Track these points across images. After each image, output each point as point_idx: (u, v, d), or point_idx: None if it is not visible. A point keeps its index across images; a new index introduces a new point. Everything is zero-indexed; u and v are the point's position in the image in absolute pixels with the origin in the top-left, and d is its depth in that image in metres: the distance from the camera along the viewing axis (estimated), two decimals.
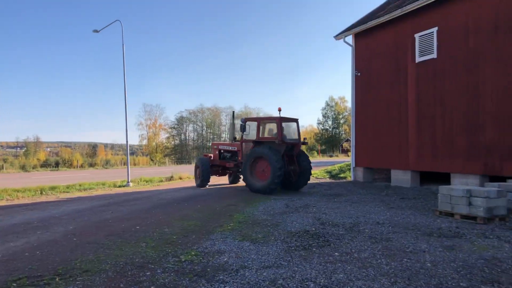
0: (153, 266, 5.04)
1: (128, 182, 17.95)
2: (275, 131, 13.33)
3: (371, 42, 15.96)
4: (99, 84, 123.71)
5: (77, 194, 14.24)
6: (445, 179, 12.97)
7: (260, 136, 13.31)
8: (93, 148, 68.40)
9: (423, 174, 14.56)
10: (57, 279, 4.56)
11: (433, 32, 13.06)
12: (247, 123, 13.92)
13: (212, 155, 15.60)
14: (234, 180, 16.59)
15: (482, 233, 6.66)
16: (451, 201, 8.09)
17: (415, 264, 4.97)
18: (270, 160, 12.29)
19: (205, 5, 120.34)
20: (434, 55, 13.02)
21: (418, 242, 6.12)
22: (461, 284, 4.25)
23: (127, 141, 19.39)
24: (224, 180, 17.76)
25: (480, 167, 11.59)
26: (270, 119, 13.71)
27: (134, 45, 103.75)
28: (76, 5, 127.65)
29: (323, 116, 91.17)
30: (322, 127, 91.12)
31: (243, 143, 13.94)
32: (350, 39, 16.98)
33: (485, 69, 11.49)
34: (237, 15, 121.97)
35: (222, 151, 15.36)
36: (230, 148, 14.98)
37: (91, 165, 44.66)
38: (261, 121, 13.66)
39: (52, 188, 15.38)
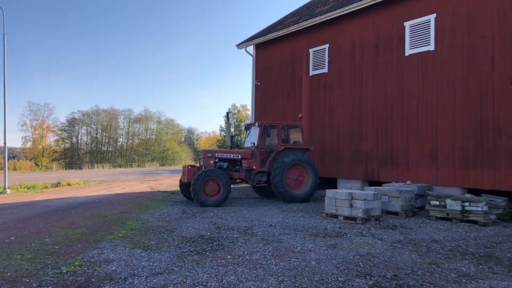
0: (28, 280, 4.54)
1: (5, 188, 15.93)
2: (293, 137, 12.96)
3: (270, 53, 16.73)
4: None
5: None
6: (333, 183, 14.10)
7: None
8: None
9: None
10: None
11: (325, 48, 14.21)
12: (252, 127, 12.89)
13: (200, 165, 12.37)
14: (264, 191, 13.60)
15: (360, 232, 7.39)
16: (336, 203, 8.83)
17: (302, 263, 5.30)
18: (312, 167, 12.01)
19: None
20: (325, 70, 14.16)
21: (306, 242, 6.54)
22: (339, 278, 4.65)
23: (5, 142, 17.22)
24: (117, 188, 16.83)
25: (361, 172, 12.87)
26: (292, 125, 13.13)
27: (17, 36, 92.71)
28: None
29: (226, 123, 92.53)
30: (225, 134, 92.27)
31: (254, 150, 12.22)
32: (251, 49, 17.57)
33: (367, 84, 12.85)
34: (136, 13, 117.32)
35: (218, 160, 12.25)
36: (232, 156, 12.41)
37: None
38: (282, 126, 12.67)
39: None
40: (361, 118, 13.01)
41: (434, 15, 11.09)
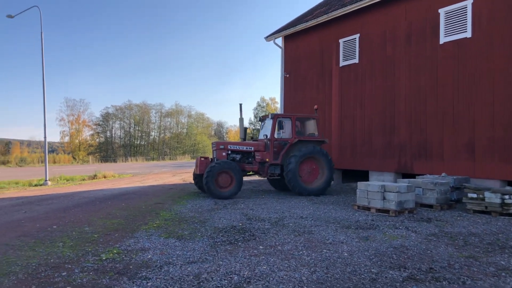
0: (70, 266, 4.77)
1: (46, 180, 16.69)
2: (309, 129, 12.78)
3: (299, 44, 16.58)
4: (15, 76, 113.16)
5: None
6: (365, 176, 13.90)
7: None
8: (6, 145, 62.32)
9: (345, 171, 15.45)
10: None
11: (355, 38, 13.93)
12: (266, 119, 12.65)
13: (213, 157, 12.34)
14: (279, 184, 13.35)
15: (393, 224, 7.27)
16: (368, 196, 8.71)
17: (334, 254, 5.28)
18: (327, 160, 11.84)
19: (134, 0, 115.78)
20: (356, 60, 13.90)
21: (337, 234, 6.50)
22: (372, 270, 4.61)
23: (45, 137, 18.01)
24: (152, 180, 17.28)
25: (394, 165, 12.60)
26: (307, 117, 12.85)
27: (55, 35, 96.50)
28: None
29: (255, 116, 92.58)
30: (254, 127, 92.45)
31: (267, 142, 12.07)
32: (280, 41, 17.48)
33: (400, 74, 12.52)
34: (168, 11, 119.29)
35: (231, 152, 12.19)
36: (245, 149, 12.28)
37: (4, 163, 40.77)
38: (296, 118, 12.42)
39: None
40: (393, 110, 12.72)
41: (471, 0, 10.64)
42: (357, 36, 13.91)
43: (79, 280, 4.26)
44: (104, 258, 5.09)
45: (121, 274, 4.46)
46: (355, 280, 4.25)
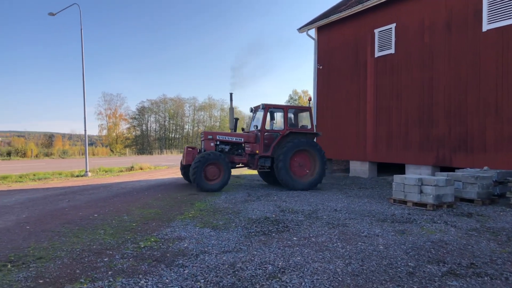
0: (111, 252, 4.97)
1: (86, 171, 17.40)
2: (301, 121, 12.54)
3: (333, 35, 16.31)
4: (56, 71, 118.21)
5: (31, 184, 13.66)
6: (401, 169, 13.56)
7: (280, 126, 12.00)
8: (49, 138, 65.32)
9: (380, 164, 15.15)
10: (9, 266, 4.40)
11: (391, 28, 13.54)
12: (258, 110, 12.30)
13: (200, 148, 12.01)
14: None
15: (431, 218, 7.07)
16: (404, 189, 8.50)
17: (369, 247, 5.21)
18: (319, 153, 11.45)
19: None
20: (392, 50, 13.52)
21: (373, 227, 6.40)
22: (409, 264, 4.51)
23: (85, 130, 18.75)
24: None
25: (432, 158, 12.22)
26: (301, 108, 12.48)
27: (93, 31, 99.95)
28: None
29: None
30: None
31: (258, 133, 11.80)
32: (313, 32, 17.27)
33: (438, 64, 12.07)
34: (198, 5, 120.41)
35: (219, 142, 11.83)
36: (234, 140, 11.88)
37: (47, 155, 42.77)
38: (288, 109, 12.15)
39: (4, 178, 14.66)
40: (431, 101, 12.29)
41: None
42: (393, 25, 13.51)
43: (120, 266, 4.43)
44: (142, 246, 5.26)
45: (159, 262, 4.60)
46: (391, 273, 4.18)
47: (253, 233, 5.98)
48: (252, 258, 4.71)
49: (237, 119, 13.09)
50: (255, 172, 17.69)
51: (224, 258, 4.74)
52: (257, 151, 11.67)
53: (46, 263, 4.52)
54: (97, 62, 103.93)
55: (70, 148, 53.56)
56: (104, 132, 67.40)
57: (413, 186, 8.28)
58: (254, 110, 12.95)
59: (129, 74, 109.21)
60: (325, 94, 16.72)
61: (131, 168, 20.58)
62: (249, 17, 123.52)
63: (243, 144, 11.97)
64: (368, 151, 14.45)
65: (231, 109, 12.98)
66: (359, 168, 14.87)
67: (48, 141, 62.69)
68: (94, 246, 5.25)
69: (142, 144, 66.36)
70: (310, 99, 12.59)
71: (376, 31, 14.13)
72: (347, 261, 4.61)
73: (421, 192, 8.16)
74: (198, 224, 6.61)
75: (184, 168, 12.23)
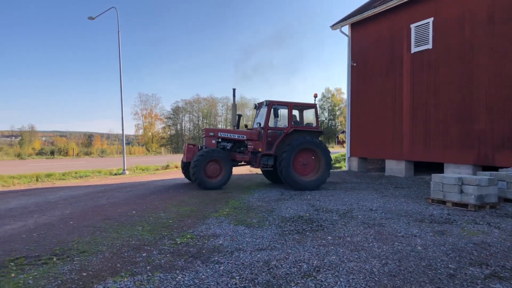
0: (149, 248, 5.12)
1: (124, 170, 17.99)
2: (307, 118, 12.28)
3: (367, 32, 15.99)
4: (94, 73, 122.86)
5: (73, 181, 14.28)
6: (439, 169, 13.12)
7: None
8: (88, 138, 68.06)
9: (417, 164, 14.71)
10: (54, 259, 4.63)
11: (429, 22, 13.11)
12: (262, 107, 11.93)
13: (202, 145, 11.93)
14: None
15: (473, 219, 6.80)
16: (443, 189, 8.22)
17: (406, 247, 5.09)
18: (324, 152, 11.12)
19: None
20: (430, 46, 13.08)
21: (410, 227, 6.24)
22: (450, 265, 4.37)
23: (123, 130, 19.39)
24: None
25: (473, 157, 11.73)
26: (306, 105, 12.03)
27: (129, 34, 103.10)
28: None
29: (320, 107, 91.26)
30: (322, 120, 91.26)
31: (261, 131, 11.53)
32: (346, 29, 17.00)
33: (480, 59, 11.57)
34: (232, 6, 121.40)
35: (221, 140, 11.65)
36: (236, 137, 11.63)
37: (87, 154, 44.53)
38: (293, 106, 11.75)
39: (48, 175, 15.40)
40: (472, 98, 11.80)
41: None
42: (430, 20, 13.07)
43: (158, 261, 4.56)
44: (179, 242, 5.39)
45: (195, 258, 4.70)
46: (430, 275, 4.07)
47: (287, 232, 5.98)
48: (287, 256, 4.72)
49: (240, 116, 12.83)
50: None
51: (258, 255, 4.78)
52: (259, 149, 11.40)
53: (88, 257, 4.72)
54: (133, 63, 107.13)
55: (108, 147, 55.49)
56: (141, 132, 69.42)
57: (453, 186, 7.99)
58: (258, 106, 12.58)
59: (164, 75, 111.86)
60: (359, 92, 16.42)
61: (167, 167, 21.06)
62: (279, 14, 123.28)
63: (245, 142, 11.72)
64: (404, 150, 14.07)
65: (234, 105, 12.74)
66: (395, 167, 14.50)
67: (87, 140, 65.31)
68: (133, 242, 5.43)
69: (177, 143, 67.77)
70: (315, 96, 12.01)
71: (413, 26, 13.72)
72: (383, 261, 4.53)
73: (461, 192, 7.86)
74: (232, 222, 6.68)
75: (185, 166, 12.10)
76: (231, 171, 11.09)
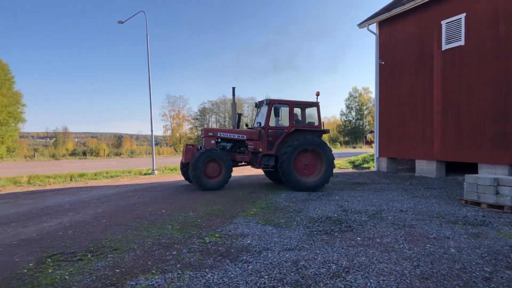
0: (179, 246, 5.21)
1: (153, 170, 18.36)
2: (309, 117, 11.88)
3: (395, 30, 15.66)
4: (124, 76, 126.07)
5: (105, 181, 14.70)
6: (472, 169, 12.69)
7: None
8: (118, 139, 69.86)
9: (448, 164, 14.29)
10: (89, 256, 4.79)
11: (461, 18, 12.70)
12: (262, 105, 11.63)
13: (201, 145, 11.62)
14: None
15: (509, 221, 6.55)
16: (478, 190, 7.95)
17: (439, 249, 4.96)
18: (327, 152, 10.82)
19: None
20: (462, 42, 12.68)
21: (442, 229, 6.07)
22: (485, 268, 4.23)
23: (152, 131, 19.78)
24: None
25: (509, 157, 11.28)
26: (308, 103, 11.72)
27: (157, 37, 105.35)
28: None
29: (347, 107, 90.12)
30: (346, 119, 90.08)
31: (261, 130, 11.30)
32: (374, 27, 16.72)
33: None
34: (258, 6, 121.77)
35: (220, 140, 11.47)
36: (236, 137, 11.44)
37: (117, 154, 45.71)
38: (295, 105, 11.44)
39: (81, 175, 15.91)
40: (508, 95, 11.35)
41: None
42: (462, 16, 12.67)
43: (187, 260, 4.64)
44: (207, 241, 5.46)
45: (223, 257, 4.75)
46: (465, 278, 3.95)
47: (315, 232, 5.94)
48: (315, 257, 4.69)
49: (240, 115, 12.58)
50: None
51: (286, 255, 4.77)
52: (260, 149, 11.15)
53: (121, 254, 4.86)
54: (161, 65, 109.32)
55: (137, 148, 56.76)
56: (169, 133, 70.57)
57: (488, 187, 7.72)
58: (258, 105, 12.29)
59: (191, 77, 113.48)
60: (388, 91, 16.10)
61: None
62: (304, 15, 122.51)
63: (245, 142, 11.51)
64: (435, 150, 13.69)
65: (233, 104, 12.43)
66: (426, 168, 14.13)
67: (117, 141, 67.02)
68: (163, 240, 5.54)
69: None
70: (318, 94, 11.52)
71: (443, 22, 13.33)
72: (415, 263, 4.43)
73: (497, 193, 7.58)
74: (260, 222, 6.70)
75: (184, 167, 11.92)
76: (231, 172, 10.95)
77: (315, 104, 11.57)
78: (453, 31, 13.01)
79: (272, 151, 11.04)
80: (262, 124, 11.20)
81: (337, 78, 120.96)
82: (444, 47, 13.33)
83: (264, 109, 11.47)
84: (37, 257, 4.82)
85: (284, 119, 11.44)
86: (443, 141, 13.40)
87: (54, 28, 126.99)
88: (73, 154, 43.67)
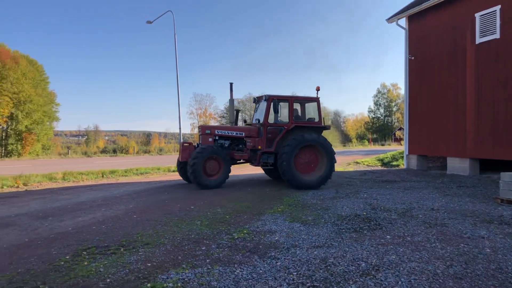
0: (208, 242, 5.29)
1: None
2: (309, 113, 11.55)
3: (425, 24, 15.24)
4: (153, 75, 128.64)
5: (135, 177, 15.06)
6: (508, 167, 12.22)
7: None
8: (147, 137, 71.43)
9: (482, 162, 13.81)
10: (121, 250, 4.94)
11: (496, 10, 12.22)
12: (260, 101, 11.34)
13: (198, 143, 11.48)
14: None
15: None
16: None
17: (473, 249, 4.82)
18: (328, 149, 10.56)
19: None
20: (497, 35, 12.20)
21: (477, 228, 5.89)
22: None
23: (180, 129, 20.16)
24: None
25: None
26: (308, 99, 11.42)
27: (185, 36, 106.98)
28: None
29: (375, 104, 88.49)
30: (374, 115, 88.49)
31: (260, 127, 11.06)
32: (403, 22, 16.34)
33: None
34: (283, 5, 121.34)
35: (218, 137, 11.22)
36: (235, 134, 11.19)
37: (146, 152, 46.68)
38: (294, 100, 11.18)
39: (112, 172, 16.35)
40: None
41: None
42: (497, 7, 12.18)
43: (217, 255, 4.70)
44: (236, 237, 5.51)
45: (252, 253, 4.78)
46: (501, 279, 3.82)
47: (343, 230, 5.89)
48: (344, 254, 4.66)
49: (238, 111, 12.29)
50: (340, 168, 17.37)
51: (315, 252, 4.76)
52: (259, 147, 10.87)
53: (152, 249, 4.98)
54: (188, 63, 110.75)
55: (166, 146, 57.78)
56: (196, 131, 71.42)
57: None
58: (257, 101, 11.94)
59: (217, 75, 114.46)
60: (418, 86, 15.70)
61: None
62: (332, 11, 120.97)
63: (244, 139, 11.23)
64: (468, 147, 13.25)
65: (231, 100, 12.10)
66: (458, 165, 13.71)
67: (146, 139, 68.50)
68: (193, 236, 5.64)
69: None
70: (318, 89, 11.14)
71: (477, 15, 12.86)
72: (448, 262, 4.32)
73: None
74: (287, 219, 6.70)
75: (181, 165, 11.64)
76: (230, 169, 10.76)
77: (315, 100, 11.26)
78: (487, 24, 12.54)
79: (271, 148, 10.78)
80: (261, 121, 10.97)
81: (366, 74, 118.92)
82: (478, 40, 12.86)
83: (263, 105, 11.20)
84: (73, 250, 5.01)
85: (284, 115, 11.26)
86: (477, 138, 12.95)
87: (86, 29, 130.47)
88: (104, 151, 44.98)
